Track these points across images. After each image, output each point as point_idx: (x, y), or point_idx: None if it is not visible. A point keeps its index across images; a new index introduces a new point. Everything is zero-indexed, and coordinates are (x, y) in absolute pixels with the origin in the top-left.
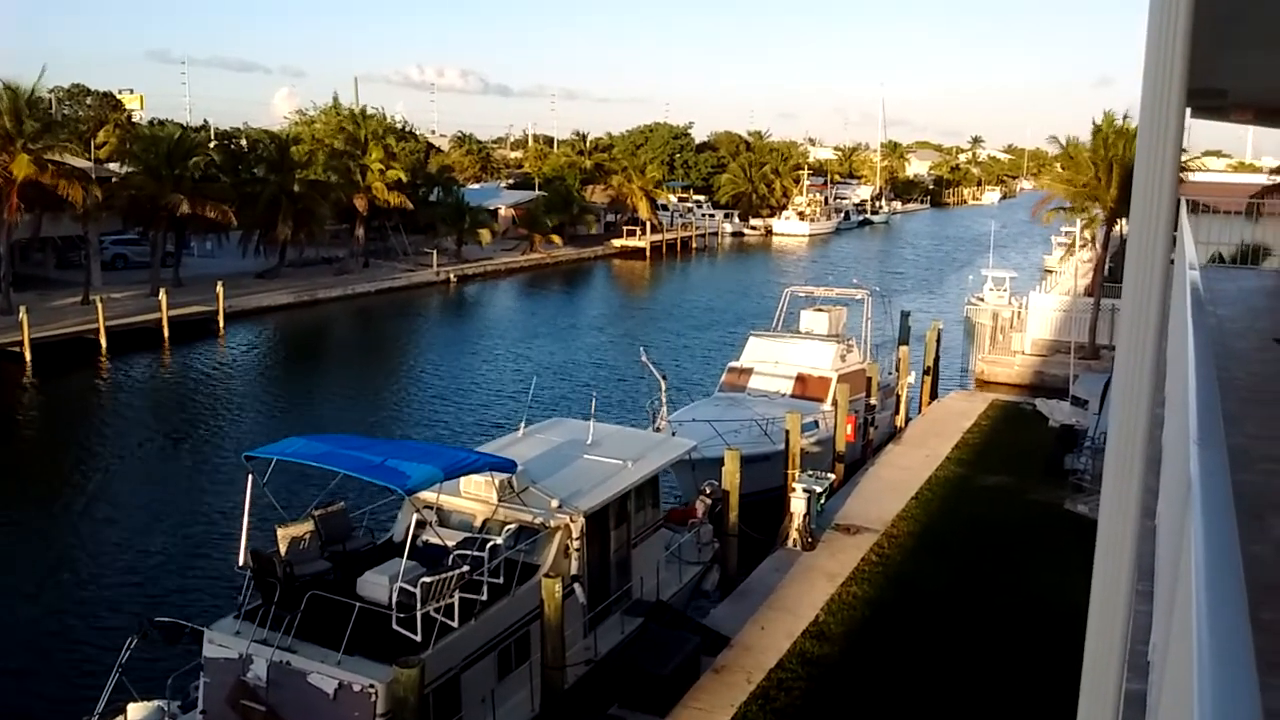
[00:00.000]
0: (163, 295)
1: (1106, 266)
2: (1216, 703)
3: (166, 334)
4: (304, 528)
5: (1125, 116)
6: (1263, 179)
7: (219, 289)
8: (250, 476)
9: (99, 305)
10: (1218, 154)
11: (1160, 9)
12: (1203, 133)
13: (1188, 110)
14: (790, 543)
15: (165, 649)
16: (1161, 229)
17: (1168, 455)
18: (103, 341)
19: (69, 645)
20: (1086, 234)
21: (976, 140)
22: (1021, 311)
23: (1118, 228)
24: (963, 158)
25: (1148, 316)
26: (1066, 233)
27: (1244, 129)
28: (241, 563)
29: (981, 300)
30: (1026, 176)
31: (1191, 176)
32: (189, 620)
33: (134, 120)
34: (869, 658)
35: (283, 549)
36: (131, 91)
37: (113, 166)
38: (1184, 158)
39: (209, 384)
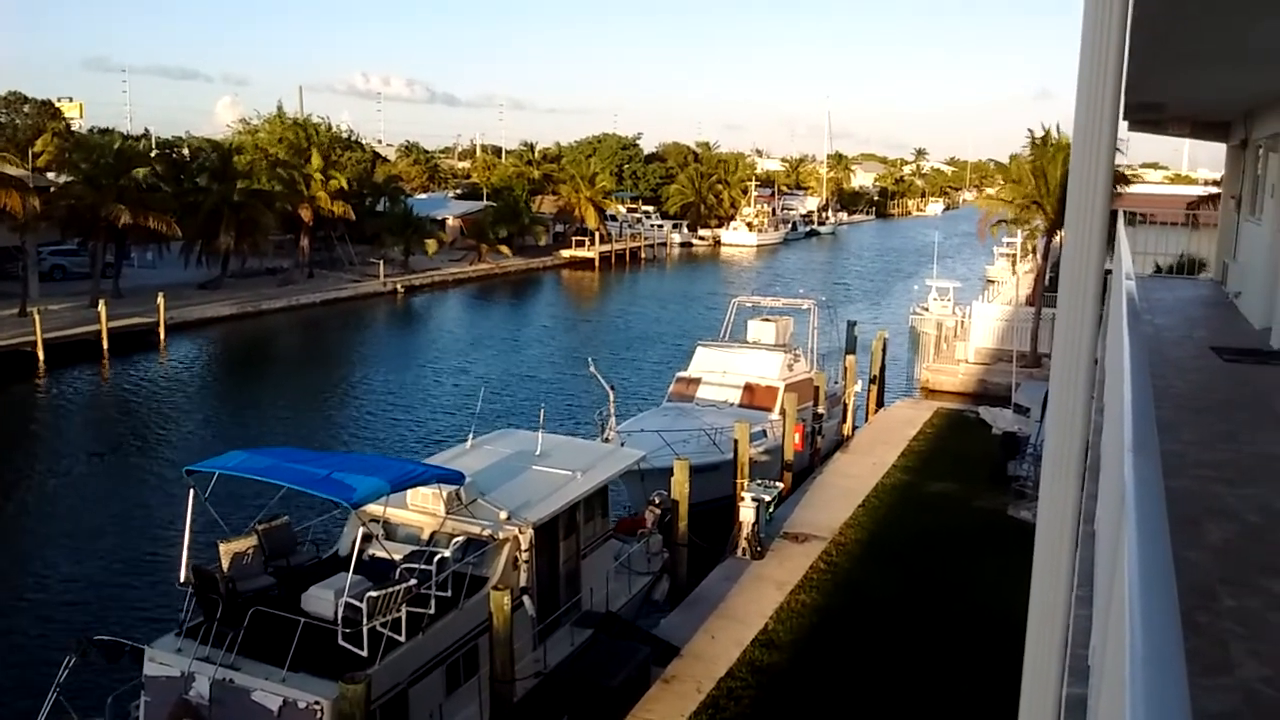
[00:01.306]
0: (102, 307)
1: (1047, 276)
2: (1149, 706)
3: (106, 346)
4: (247, 543)
5: (1058, 129)
6: (1199, 190)
7: (160, 300)
8: (191, 491)
9: (36, 317)
10: (1155, 166)
11: (1094, 27)
12: (1141, 146)
13: (1125, 124)
14: (740, 552)
15: (105, 668)
16: (1095, 239)
17: (1105, 462)
18: (40, 354)
19: (4, 665)
20: (1028, 245)
21: (920, 152)
22: (965, 321)
23: (1058, 238)
24: (907, 169)
25: (1082, 326)
26: (1009, 243)
27: (1181, 142)
28: (183, 579)
29: (926, 310)
30: (969, 188)
31: (1130, 188)
32: (129, 638)
33: (73, 129)
34: (818, 665)
35: (225, 564)
36: (71, 99)
37: (51, 176)
38: (1124, 169)
39: (150, 397)
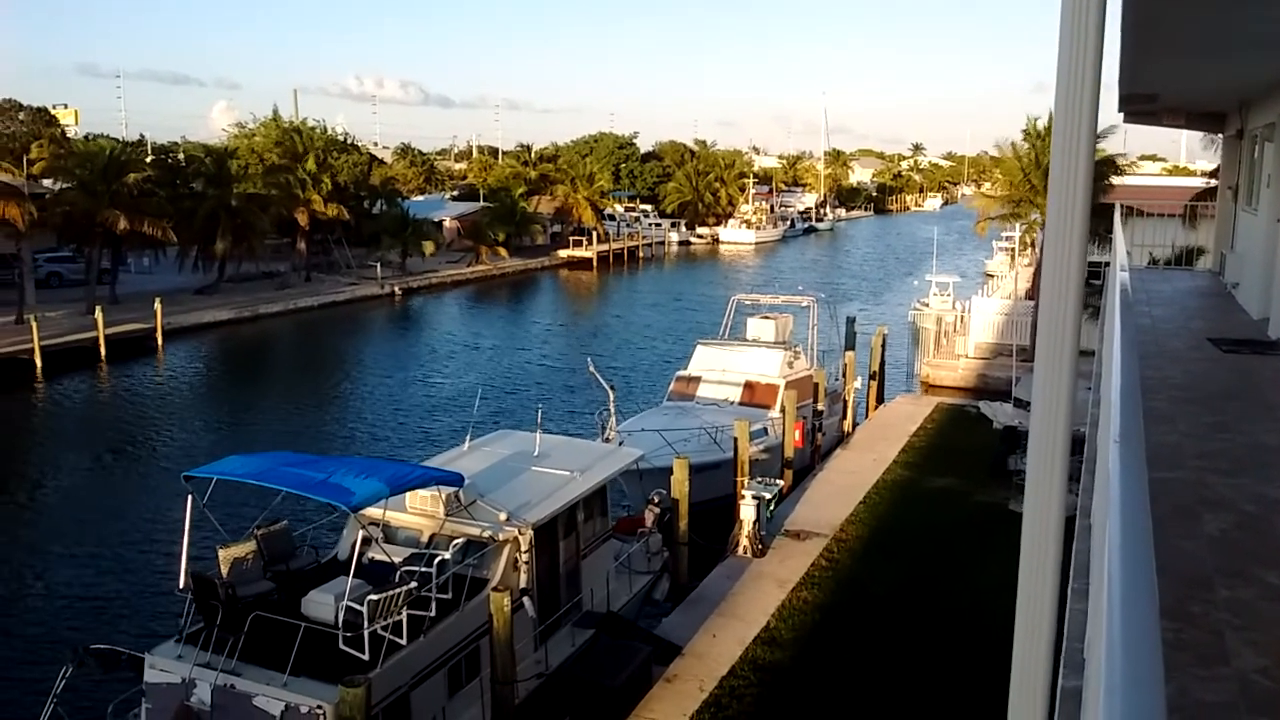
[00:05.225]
0: (99, 313)
1: None
2: (1126, 692)
3: (103, 353)
4: (246, 548)
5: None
6: (1197, 182)
7: (157, 306)
8: (190, 497)
9: (33, 324)
10: (1153, 158)
11: (1072, 14)
12: (1138, 138)
13: (1121, 115)
14: (740, 550)
15: (102, 677)
16: (1077, 227)
17: (1100, 455)
18: (38, 361)
19: (1, 676)
20: (1026, 238)
21: (917, 147)
22: (964, 316)
23: None
24: (904, 165)
25: (1065, 315)
26: (1007, 238)
27: (1179, 133)
28: (182, 585)
29: (926, 305)
30: (967, 182)
31: (1127, 180)
32: (127, 646)
33: (68, 135)
34: (820, 662)
35: (224, 570)
36: (65, 106)
37: (46, 183)
38: (1122, 162)
39: (147, 403)
